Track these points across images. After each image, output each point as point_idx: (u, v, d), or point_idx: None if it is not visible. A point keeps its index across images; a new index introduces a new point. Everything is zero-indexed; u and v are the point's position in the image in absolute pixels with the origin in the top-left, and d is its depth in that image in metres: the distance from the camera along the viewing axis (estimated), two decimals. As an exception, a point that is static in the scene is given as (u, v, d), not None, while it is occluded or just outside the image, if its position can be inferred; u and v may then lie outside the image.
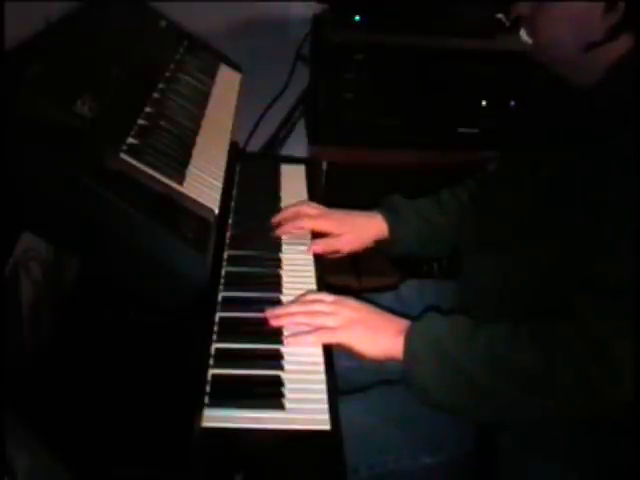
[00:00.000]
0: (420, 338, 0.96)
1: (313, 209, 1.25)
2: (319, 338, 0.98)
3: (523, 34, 1.05)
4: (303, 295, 1.05)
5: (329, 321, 0.99)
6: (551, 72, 1.05)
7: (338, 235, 1.22)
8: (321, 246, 1.20)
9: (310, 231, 1.23)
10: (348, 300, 1.02)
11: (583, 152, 0.98)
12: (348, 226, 1.24)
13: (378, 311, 1.03)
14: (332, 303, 1.01)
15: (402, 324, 0.99)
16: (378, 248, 1.29)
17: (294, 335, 0.98)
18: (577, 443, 1.00)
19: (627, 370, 0.87)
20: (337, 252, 1.24)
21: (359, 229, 1.25)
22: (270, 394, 0.88)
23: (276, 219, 1.23)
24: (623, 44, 0.96)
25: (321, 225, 1.23)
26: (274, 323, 0.99)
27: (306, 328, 0.98)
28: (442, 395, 0.95)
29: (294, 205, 1.27)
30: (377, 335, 0.98)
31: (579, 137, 1.00)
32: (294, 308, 1.01)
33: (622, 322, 0.88)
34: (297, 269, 1.14)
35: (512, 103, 1.89)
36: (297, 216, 1.22)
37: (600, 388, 0.89)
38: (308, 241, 1.21)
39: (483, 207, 1.22)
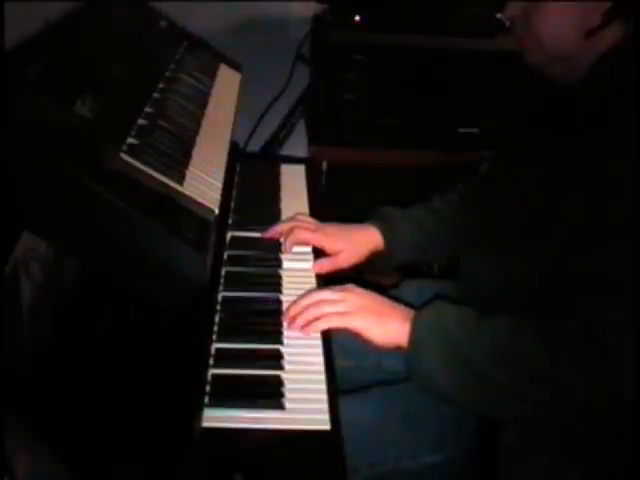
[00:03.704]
0: (427, 324, 0.97)
1: (308, 223, 1.24)
2: (328, 322, 0.99)
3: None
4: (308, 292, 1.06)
5: (338, 308, 1.00)
6: (539, 74, 1.06)
7: (336, 252, 1.21)
8: (326, 266, 1.18)
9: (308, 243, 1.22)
10: (355, 288, 1.03)
11: (576, 149, 0.99)
12: (344, 242, 1.22)
13: (385, 299, 1.03)
14: (340, 291, 1.02)
15: (409, 311, 1.00)
16: (374, 260, 1.28)
17: (306, 325, 0.98)
18: (579, 439, 1.00)
19: (627, 367, 0.87)
20: (339, 270, 1.23)
21: (356, 245, 1.23)
22: (270, 394, 0.88)
23: (270, 233, 1.21)
24: (612, 35, 0.97)
25: (317, 240, 1.21)
26: (294, 328, 0.99)
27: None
28: (445, 382, 0.95)
29: (289, 219, 1.25)
30: (385, 321, 0.99)
31: (572, 134, 1.01)
32: (304, 302, 1.02)
33: (622, 318, 0.88)
34: (297, 269, 1.15)
35: (512, 103, 1.89)
36: (292, 230, 1.20)
37: (602, 386, 0.89)
38: (308, 247, 1.21)
39: (481, 208, 1.22)
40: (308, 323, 0.99)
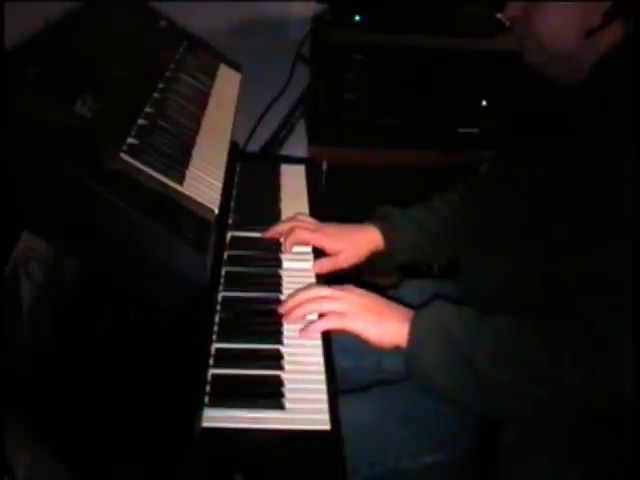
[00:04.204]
0: (426, 323, 0.97)
1: (308, 223, 1.24)
2: (328, 323, 0.99)
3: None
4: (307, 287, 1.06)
5: (337, 307, 1.00)
6: (539, 74, 1.06)
7: (336, 252, 1.21)
8: (326, 266, 1.18)
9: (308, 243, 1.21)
10: (354, 288, 1.03)
11: (576, 149, 0.99)
12: (344, 242, 1.22)
13: (383, 299, 1.03)
14: (338, 290, 1.02)
15: (408, 311, 1.00)
16: (374, 260, 1.28)
17: (303, 330, 0.98)
18: (579, 439, 1.00)
19: (627, 367, 0.87)
20: (339, 270, 1.23)
21: (356, 245, 1.24)
22: (270, 394, 0.88)
23: (270, 233, 1.21)
24: (612, 35, 0.98)
25: (317, 240, 1.21)
26: (289, 321, 1.00)
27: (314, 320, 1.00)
28: (445, 381, 0.95)
29: (289, 219, 1.25)
30: (384, 321, 0.99)
31: (572, 134, 1.01)
32: (301, 296, 1.02)
33: (622, 318, 0.88)
34: (297, 269, 1.14)
35: (512, 103, 1.90)
36: (292, 230, 1.20)
37: (603, 386, 0.89)
38: (308, 247, 1.21)
39: (481, 208, 1.22)
40: (307, 324, 0.99)
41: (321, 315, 1.01)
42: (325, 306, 1.00)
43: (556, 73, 1.04)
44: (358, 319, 0.99)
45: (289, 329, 0.99)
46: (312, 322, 0.99)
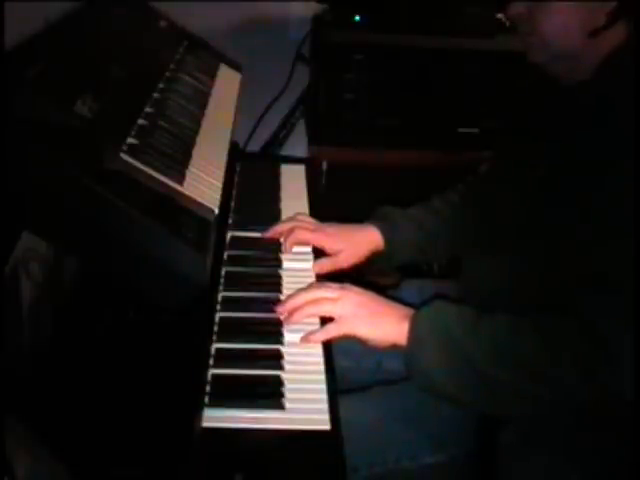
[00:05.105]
0: (426, 323, 0.97)
1: (308, 223, 1.23)
2: (327, 333, 0.99)
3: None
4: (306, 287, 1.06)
5: (336, 308, 0.99)
6: (544, 73, 1.06)
7: (336, 252, 1.21)
8: (326, 266, 1.18)
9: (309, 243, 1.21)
10: (352, 286, 1.03)
11: (577, 150, 0.99)
12: (344, 242, 1.22)
13: (382, 298, 1.03)
14: (337, 289, 1.02)
15: (406, 310, 1.00)
16: (374, 260, 1.28)
17: (304, 338, 0.98)
18: (579, 439, 1.00)
19: (627, 368, 0.87)
20: (339, 270, 1.23)
21: (356, 245, 1.23)
22: (270, 394, 0.88)
23: (270, 233, 1.21)
24: (616, 36, 0.98)
25: (317, 240, 1.21)
26: (290, 324, 1.00)
27: (313, 321, 1.00)
28: (445, 380, 0.95)
29: (289, 219, 1.25)
30: (382, 320, 0.99)
31: (573, 134, 1.01)
32: (300, 299, 1.02)
33: (623, 318, 0.88)
34: (297, 269, 1.14)
35: (512, 103, 1.90)
36: (292, 230, 1.19)
37: (603, 386, 0.89)
38: (308, 247, 1.21)
39: (481, 208, 1.22)
40: (307, 333, 0.99)
41: (322, 319, 1.01)
42: (325, 309, 1.00)
43: (559, 72, 1.04)
44: (356, 319, 0.99)
45: (289, 329, 0.99)
46: (312, 332, 0.98)
